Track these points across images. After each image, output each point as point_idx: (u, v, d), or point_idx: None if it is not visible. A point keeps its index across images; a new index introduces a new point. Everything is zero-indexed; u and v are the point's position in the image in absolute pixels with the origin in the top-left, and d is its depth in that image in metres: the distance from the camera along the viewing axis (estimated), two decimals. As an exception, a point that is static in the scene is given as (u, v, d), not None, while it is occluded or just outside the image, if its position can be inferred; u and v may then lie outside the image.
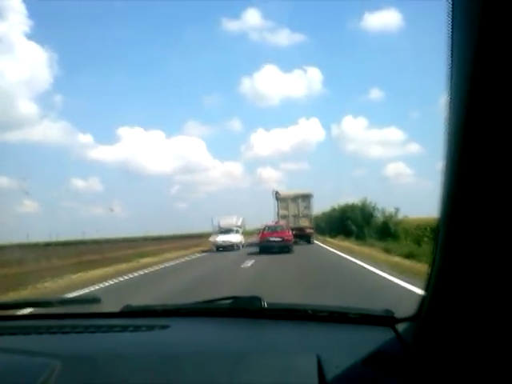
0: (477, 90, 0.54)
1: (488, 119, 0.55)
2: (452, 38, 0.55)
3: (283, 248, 18.47)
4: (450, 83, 0.58)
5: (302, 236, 24.75)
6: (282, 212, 26.44)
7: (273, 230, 20.64)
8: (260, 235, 21.23)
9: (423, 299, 0.91)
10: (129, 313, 1.55)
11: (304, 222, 25.88)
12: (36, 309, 1.81)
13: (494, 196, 0.61)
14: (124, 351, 1.18)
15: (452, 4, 0.52)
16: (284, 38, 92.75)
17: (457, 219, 0.68)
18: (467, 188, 0.63)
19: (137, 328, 1.33)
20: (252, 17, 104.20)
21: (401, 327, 1.14)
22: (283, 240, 19.11)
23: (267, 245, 19.02)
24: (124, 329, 1.34)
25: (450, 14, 0.53)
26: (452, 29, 0.54)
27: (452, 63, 0.56)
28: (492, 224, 0.63)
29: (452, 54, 0.55)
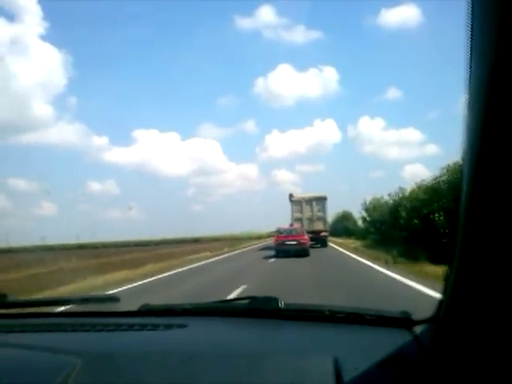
0: (497, 91, 0.54)
1: (508, 121, 0.55)
2: (471, 37, 0.54)
3: (299, 251, 18.27)
4: (469, 83, 0.58)
5: (317, 239, 24.64)
6: (297, 215, 26.43)
7: (288, 233, 20.41)
8: (275, 238, 20.95)
9: (441, 301, 0.90)
10: (147, 312, 1.57)
11: (318, 226, 25.88)
12: (57, 307, 1.85)
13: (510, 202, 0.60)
14: (143, 349, 1.19)
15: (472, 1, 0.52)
16: (299, 35, 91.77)
17: (476, 222, 0.68)
18: (486, 191, 0.63)
19: (155, 327, 1.35)
20: (266, 13, 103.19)
21: (418, 329, 1.13)
22: (299, 243, 18.94)
23: (283, 248, 18.85)
24: (143, 327, 1.35)
25: (470, 10, 0.53)
26: (472, 27, 0.54)
27: (471, 62, 0.56)
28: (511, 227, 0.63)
29: (471, 52, 0.55)
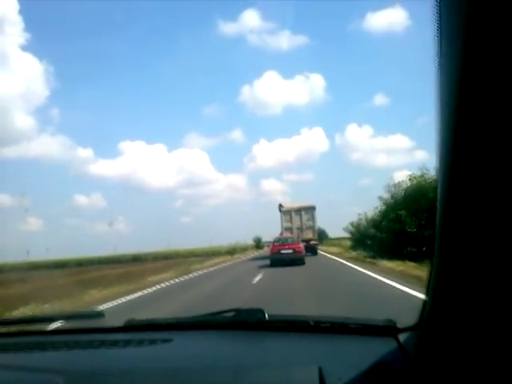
0: (465, 94, 0.55)
1: (478, 123, 0.56)
2: (440, 43, 0.55)
3: (295, 260, 18.05)
4: (439, 88, 0.59)
5: (307, 248, 24.68)
6: (286, 224, 26.75)
7: (283, 241, 20.28)
8: (271, 247, 20.96)
9: (424, 308, 0.90)
10: (131, 327, 1.56)
11: (308, 234, 26.20)
12: (40, 324, 1.81)
13: (489, 200, 0.61)
14: (127, 366, 1.18)
15: (439, 7, 0.53)
16: (284, 40, 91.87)
17: (453, 225, 0.68)
18: (462, 193, 0.63)
19: (139, 342, 1.33)
20: (250, 18, 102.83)
21: (403, 337, 1.13)
22: (294, 252, 18.80)
23: (278, 257, 18.65)
24: (127, 343, 1.34)
25: (437, 14, 0.53)
26: (440, 35, 0.55)
27: (440, 66, 0.56)
28: (488, 229, 0.63)
29: (440, 57, 0.55)
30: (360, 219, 31.58)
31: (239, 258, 36.11)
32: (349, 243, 35.44)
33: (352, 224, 34.29)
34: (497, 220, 0.62)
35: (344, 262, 19.34)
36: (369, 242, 24.82)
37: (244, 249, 54.26)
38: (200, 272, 20.07)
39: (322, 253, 28.68)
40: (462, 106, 0.55)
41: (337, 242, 45.75)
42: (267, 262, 19.65)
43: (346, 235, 39.07)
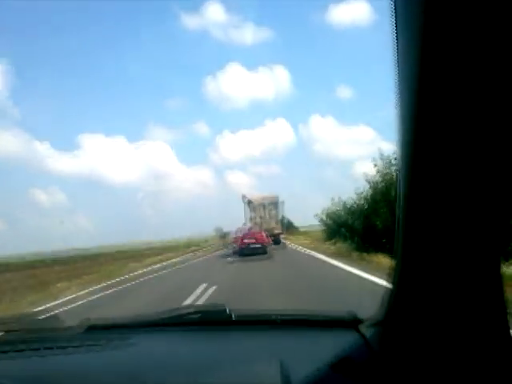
0: (423, 90, 0.55)
1: (436, 116, 0.56)
2: (396, 36, 0.55)
3: (260, 250, 19.12)
4: (398, 83, 0.59)
5: (271, 238, 25.15)
6: (253, 216, 27.11)
7: (248, 232, 21.17)
8: (237, 240, 21.89)
9: (387, 300, 0.91)
10: (88, 328, 1.49)
11: (272, 225, 26.61)
12: None
13: (448, 193, 0.62)
14: (82, 369, 1.13)
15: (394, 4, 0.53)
16: (249, 33, 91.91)
17: (414, 217, 0.69)
18: (423, 183, 0.64)
19: (97, 344, 1.28)
20: (214, 10, 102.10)
21: (365, 329, 1.14)
22: (260, 242, 19.74)
23: (244, 248, 19.54)
24: (83, 345, 1.28)
25: (393, 8, 0.53)
26: (396, 31, 0.55)
27: (398, 61, 0.56)
28: (448, 219, 0.65)
29: (397, 51, 0.56)
30: (334, 206, 26.68)
31: (197, 252, 31.53)
32: (320, 233, 32.08)
33: (325, 211, 29.14)
34: (458, 212, 0.63)
35: (334, 263, 12.42)
36: (345, 232, 21.41)
37: (206, 240, 51.81)
38: (131, 275, 15.53)
39: (292, 247, 25.46)
40: (419, 99, 0.56)
41: (303, 230, 45.61)
42: (229, 259, 18.54)
43: (314, 223, 36.82)
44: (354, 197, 21.13)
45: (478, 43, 0.48)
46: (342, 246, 19.74)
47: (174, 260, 24.31)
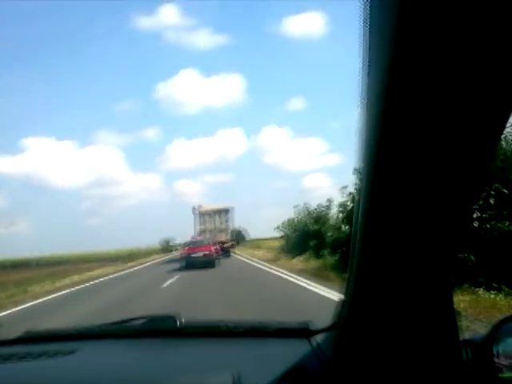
0: (396, 93, 0.54)
1: (408, 122, 0.56)
2: (369, 39, 0.53)
3: (208, 263, 17.94)
4: (366, 87, 0.57)
5: (222, 249, 24.77)
6: (203, 226, 26.70)
7: (197, 244, 20.10)
8: (183, 251, 21.09)
9: (340, 308, 0.91)
10: (30, 338, 1.43)
11: (222, 237, 26.15)
12: None
13: (405, 202, 0.62)
14: (24, 381, 1.08)
15: (369, 9, 0.51)
16: (204, 39, 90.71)
17: (372, 226, 0.69)
18: (382, 194, 0.64)
19: (39, 355, 1.21)
20: (168, 13, 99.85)
21: (318, 338, 1.14)
22: (206, 255, 18.72)
23: (190, 260, 18.50)
24: (26, 356, 1.22)
25: (367, 17, 0.52)
26: (369, 30, 0.53)
27: (369, 66, 0.55)
28: (403, 229, 0.65)
29: (369, 54, 0.54)
30: (297, 214, 23.00)
31: (136, 265, 27.88)
32: (276, 244, 27.84)
33: (288, 221, 24.75)
34: (414, 224, 0.64)
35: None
36: (314, 244, 17.98)
37: (149, 253, 47.20)
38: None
39: (245, 260, 21.94)
40: (390, 106, 0.55)
41: (257, 243, 43.99)
42: (170, 275, 15.46)
43: (268, 235, 34.11)
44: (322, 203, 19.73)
45: (452, 50, 0.47)
46: (314, 262, 15.04)
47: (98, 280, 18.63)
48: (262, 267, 16.31)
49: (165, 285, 12.11)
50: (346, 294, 0.86)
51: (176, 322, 1.33)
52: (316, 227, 19.19)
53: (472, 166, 0.57)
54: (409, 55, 0.49)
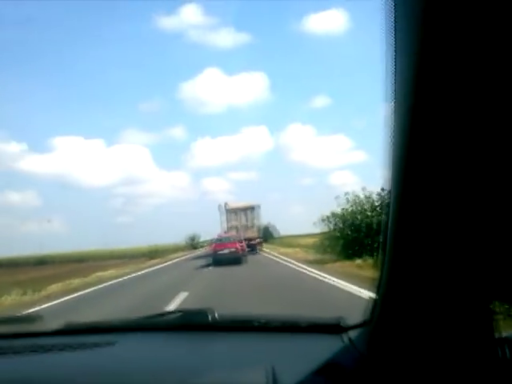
0: (419, 95, 0.54)
1: (429, 124, 0.55)
2: (395, 38, 0.52)
3: (236, 259, 18.06)
4: (394, 88, 0.57)
5: (250, 246, 24.94)
6: (231, 223, 27.10)
7: (223, 241, 20.31)
8: (211, 247, 21.36)
9: (373, 304, 0.91)
10: (71, 330, 1.47)
11: (252, 233, 26.60)
12: None
13: (439, 199, 0.61)
14: (66, 372, 1.11)
15: (394, 5, 0.51)
16: (227, 37, 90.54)
17: (404, 222, 0.69)
18: (412, 192, 0.63)
19: (80, 346, 1.26)
20: (191, 13, 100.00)
21: (353, 334, 1.14)
22: (235, 251, 18.92)
23: (218, 257, 18.71)
24: (66, 348, 1.26)
25: (392, 15, 0.51)
26: (395, 30, 0.52)
27: (395, 66, 0.54)
28: (438, 226, 0.64)
29: (395, 54, 0.53)
30: (343, 207, 18.15)
31: (165, 262, 27.84)
32: (308, 242, 24.57)
33: (333, 215, 19.03)
34: (448, 221, 0.63)
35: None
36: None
37: (175, 250, 47.11)
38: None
39: (279, 262, 18.63)
40: (418, 105, 0.54)
41: (287, 240, 37.96)
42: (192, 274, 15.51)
43: (295, 233, 33.49)
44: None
45: (482, 43, 0.45)
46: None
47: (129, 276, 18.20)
48: (313, 282, 10.45)
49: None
50: (377, 292, 0.86)
51: (208, 317, 1.35)
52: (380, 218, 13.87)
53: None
54: (438, 50, 0.48)
